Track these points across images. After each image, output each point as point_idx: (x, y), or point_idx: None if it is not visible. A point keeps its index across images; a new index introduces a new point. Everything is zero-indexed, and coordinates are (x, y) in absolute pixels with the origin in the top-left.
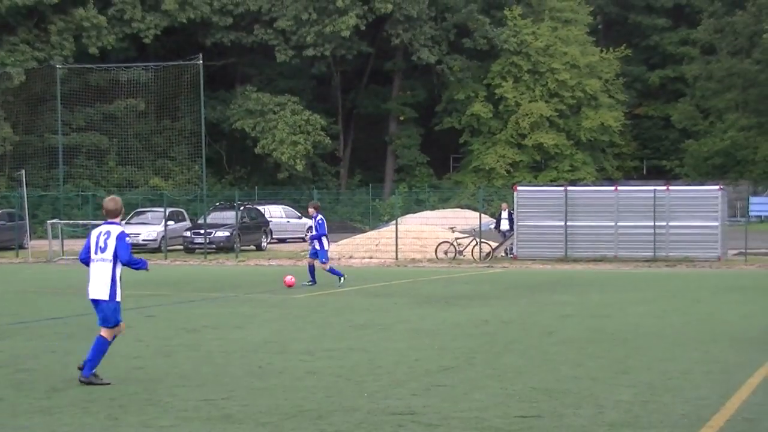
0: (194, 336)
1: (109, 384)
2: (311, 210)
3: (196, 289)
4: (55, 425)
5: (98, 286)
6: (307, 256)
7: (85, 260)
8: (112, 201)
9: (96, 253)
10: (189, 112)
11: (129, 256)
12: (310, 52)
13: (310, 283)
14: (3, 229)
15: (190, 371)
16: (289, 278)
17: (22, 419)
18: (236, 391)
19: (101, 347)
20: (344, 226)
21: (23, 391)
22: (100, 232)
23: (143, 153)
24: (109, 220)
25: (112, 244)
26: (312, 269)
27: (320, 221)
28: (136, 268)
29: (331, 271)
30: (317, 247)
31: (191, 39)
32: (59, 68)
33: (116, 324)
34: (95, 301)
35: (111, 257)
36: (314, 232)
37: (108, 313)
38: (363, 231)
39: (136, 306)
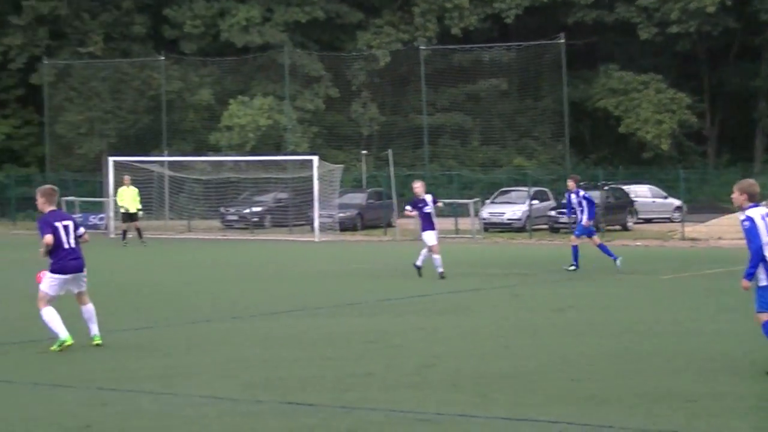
0: (560, 315)
1: None
2: (573, 184)
3: (561, 269)
4: (425, 400)
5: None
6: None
7: (759, 248)
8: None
9: None
10: (551, 91)
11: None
12: (673, 29)
13: (573, 268)
14: (371, 208)
15: (556, 350)
16: (42, 274)
17: (393, 393)
18: (603, 372)
19: None
20: (713, 206)
21: (393, 367)
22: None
23: (506, 133)
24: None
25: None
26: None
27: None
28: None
29: (603, 248)
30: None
31: (552, 18)
32: (423, 49)
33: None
34: None
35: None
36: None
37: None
38: (732, 211)
39: (503, 285)
